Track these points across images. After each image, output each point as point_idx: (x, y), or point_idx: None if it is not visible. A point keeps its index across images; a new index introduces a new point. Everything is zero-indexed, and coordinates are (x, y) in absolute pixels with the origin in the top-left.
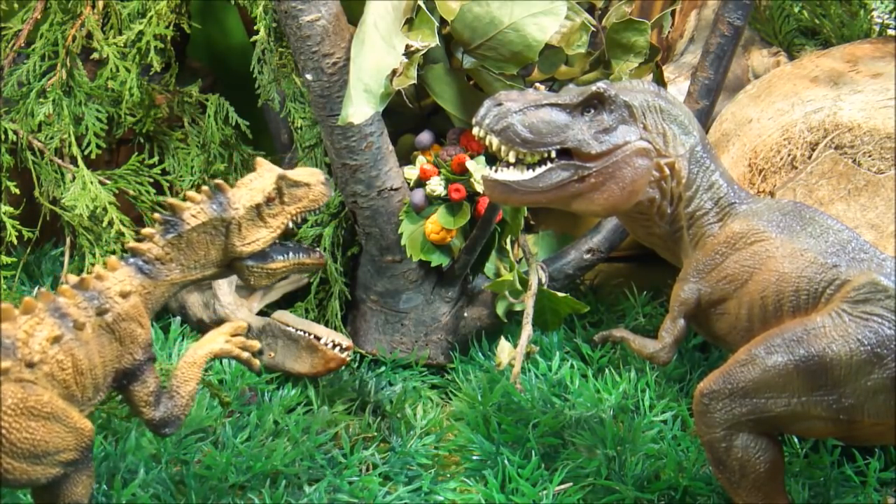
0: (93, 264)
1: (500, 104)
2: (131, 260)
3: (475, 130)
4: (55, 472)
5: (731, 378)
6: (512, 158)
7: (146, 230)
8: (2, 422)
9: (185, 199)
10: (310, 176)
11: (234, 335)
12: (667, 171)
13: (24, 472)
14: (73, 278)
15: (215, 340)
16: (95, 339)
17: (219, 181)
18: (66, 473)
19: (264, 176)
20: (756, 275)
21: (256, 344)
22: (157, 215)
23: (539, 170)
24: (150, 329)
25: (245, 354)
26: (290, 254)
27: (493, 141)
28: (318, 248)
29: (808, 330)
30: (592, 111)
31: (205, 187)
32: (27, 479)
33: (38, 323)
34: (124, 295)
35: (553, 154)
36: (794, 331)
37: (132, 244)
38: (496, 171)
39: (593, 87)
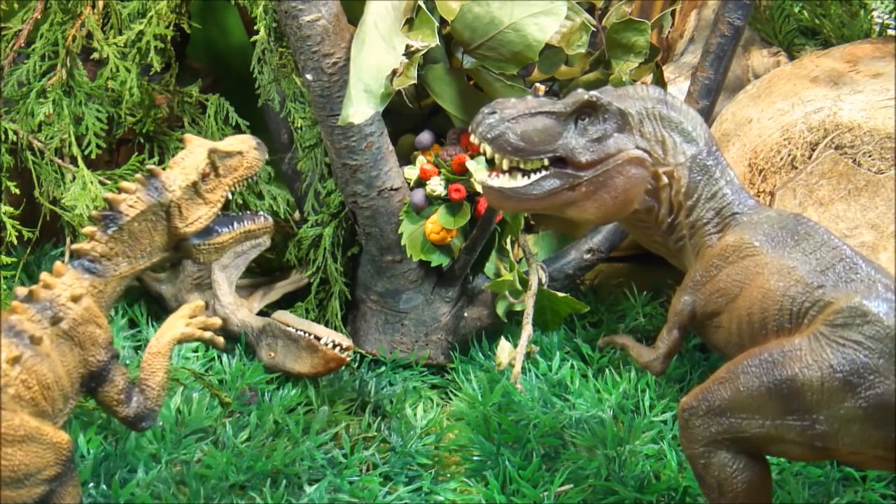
0: None
1: (493, 112)
2: (76, 262)
3: (472, 137)
4: (41, 491)
5: (708, 395)
6: (505, 166)
7: (87, 229)
8: None
9: (120, 191)
10: (241, 143)
11: (192, 316)
12: (665, 179)
13: (9, 498)
14: (22, 290)
15: (176, 326)
16: (55, 350)
17: (151, 166)
18: (51, 489)
19: (195, 152)
20: (745, 290)
21: (217, 321)
22: (94, 212)
23: (533, 177)
24: (108, 328)
25: (207, 334)
26: (235, 223)
27: (487, 149)
28: (261, 213)
29: (786, 352)
30: (586, 119)
31: (138, 175)
32: None
33: None
34: (76, 299)
35: (547, 162)
36: (771, 352)
37: (76, 245)
38: (492, 177)
39: (585, 96)
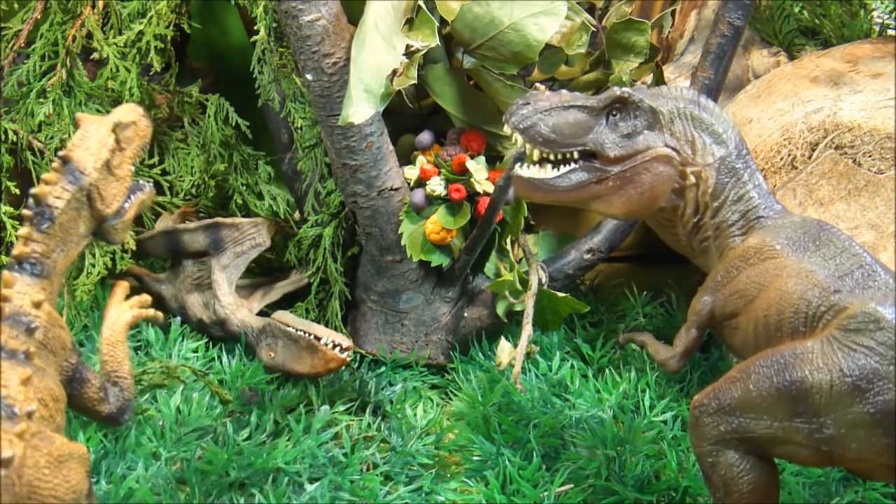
0: (92, 265)
1: (527, 103)
2: (18, 267)
3: (504, 127)
4: None
5: (719, 394)
6: (536, 157)
7: (22, 231)
8: (46, 484)
9: (44, 183)
10: (131, 113)
11: (128, 298)
12: (692, 179)
13: None
14: None
15: (122, 312)
16: (42, 362)
17: (62, 151)
18: (89, 503)
19: (92, 130)
20: (763, 292)
21: (148, 297)
22: (25, 211)
23: (562, 169)
24: (68, 328)
25: (151, 312)
26: (132, 196)
27: (519, 139)
28: (140, 181)
29: (797, 354)
30: (618, 115)
31: (55, 164)
32: None
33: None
34: (37, 305)
35: (576, 155)
36: (783, 353)
37: (16, 251)
38: (523, 167)
39: (616, 92)
